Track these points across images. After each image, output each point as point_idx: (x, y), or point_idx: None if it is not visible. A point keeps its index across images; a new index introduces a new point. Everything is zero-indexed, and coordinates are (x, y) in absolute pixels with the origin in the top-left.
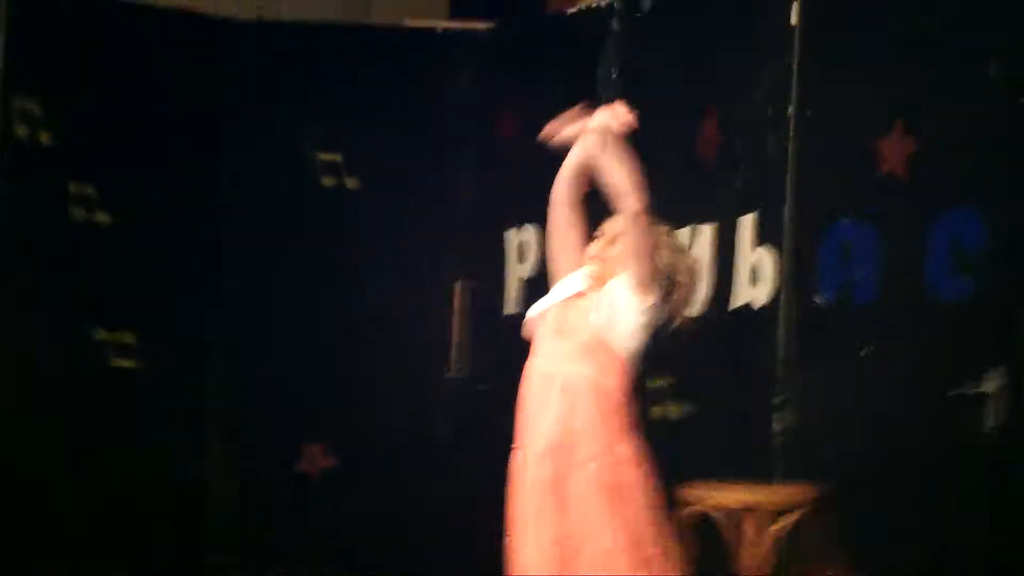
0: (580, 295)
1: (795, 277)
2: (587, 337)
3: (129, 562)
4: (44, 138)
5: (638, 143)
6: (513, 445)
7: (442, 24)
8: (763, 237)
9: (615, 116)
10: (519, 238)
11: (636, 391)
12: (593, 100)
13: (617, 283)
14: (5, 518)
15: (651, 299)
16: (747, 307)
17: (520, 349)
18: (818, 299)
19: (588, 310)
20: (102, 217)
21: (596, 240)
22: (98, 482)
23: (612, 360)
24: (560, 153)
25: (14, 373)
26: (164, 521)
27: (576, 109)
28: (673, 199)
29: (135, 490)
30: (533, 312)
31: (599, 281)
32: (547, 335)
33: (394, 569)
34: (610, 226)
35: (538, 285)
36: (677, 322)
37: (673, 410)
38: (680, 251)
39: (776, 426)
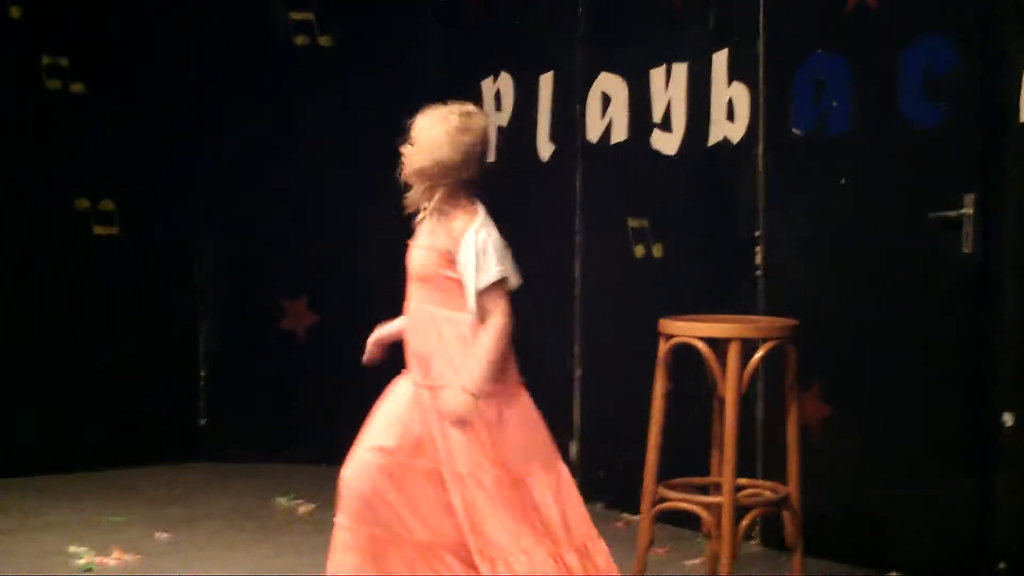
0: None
1: (770, 111)
2: None
3: (120, 423)
4: (14, 12)
5: None
6: None
7: None
8: (737, 73)
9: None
10: (495, 87)
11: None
12: None
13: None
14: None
15: None
16: (724, 142)
17: (500, 196)
18: (794, 131)
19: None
20: (77, 87)
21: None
22: (88, 350)
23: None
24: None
25: (2, 244)
26: (156, 384)
27: None
28: (646, 38)
29: (126, 355)
30: None
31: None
32: None
33: None
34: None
35: (516, 132)
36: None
37: (655, 247)
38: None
39: (756, 259)
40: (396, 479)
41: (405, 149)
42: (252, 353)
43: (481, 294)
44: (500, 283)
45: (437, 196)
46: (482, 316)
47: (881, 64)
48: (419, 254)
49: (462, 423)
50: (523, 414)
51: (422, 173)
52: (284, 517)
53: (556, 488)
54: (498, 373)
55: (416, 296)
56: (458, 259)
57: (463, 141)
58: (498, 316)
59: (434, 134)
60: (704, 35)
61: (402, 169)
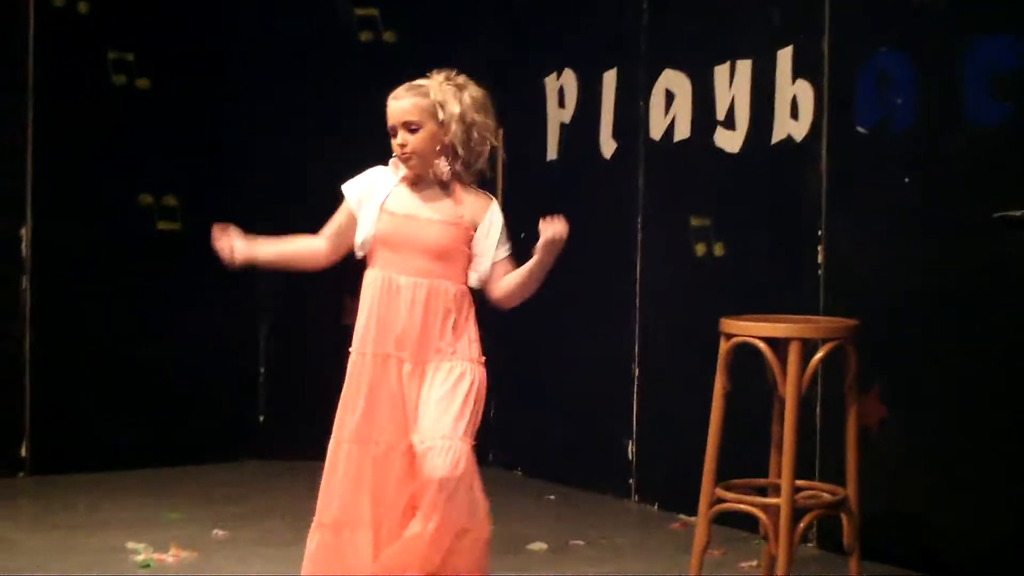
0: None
1: (834, 108)
2: None
3: (178, 420)
4: (82, 8)
5: None
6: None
7: None
8: (801, 70)
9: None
10: (558, 83)
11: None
12: None
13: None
14: (63, 377)
15: None
16: (788, 140)
17: (562, 194)
18: (858, 129)
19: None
20: (142, 82)
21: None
22: (149, 345)
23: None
24: None
25: (66, 239)
26: (214, 381)
27: None
28: (711, 35)
29: (186, 351)
30: None
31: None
32: None
33: None
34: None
35: (578, 129)
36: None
37: (717, 246)
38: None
39: (819, 258)
40: None
41: (404, 138)
42: (312, 349)
43: (496, 264)
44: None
45: (449, 170)
46: (489, 284)
47: (945, 61)
48: (439, 229)
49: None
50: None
51: (442, 147)
52: None
53: None
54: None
55: (424, 270)
56: (480, 233)
57: (486, 109)
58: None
59: (434, 100)
60: (769, 32)
61: (408, 155)
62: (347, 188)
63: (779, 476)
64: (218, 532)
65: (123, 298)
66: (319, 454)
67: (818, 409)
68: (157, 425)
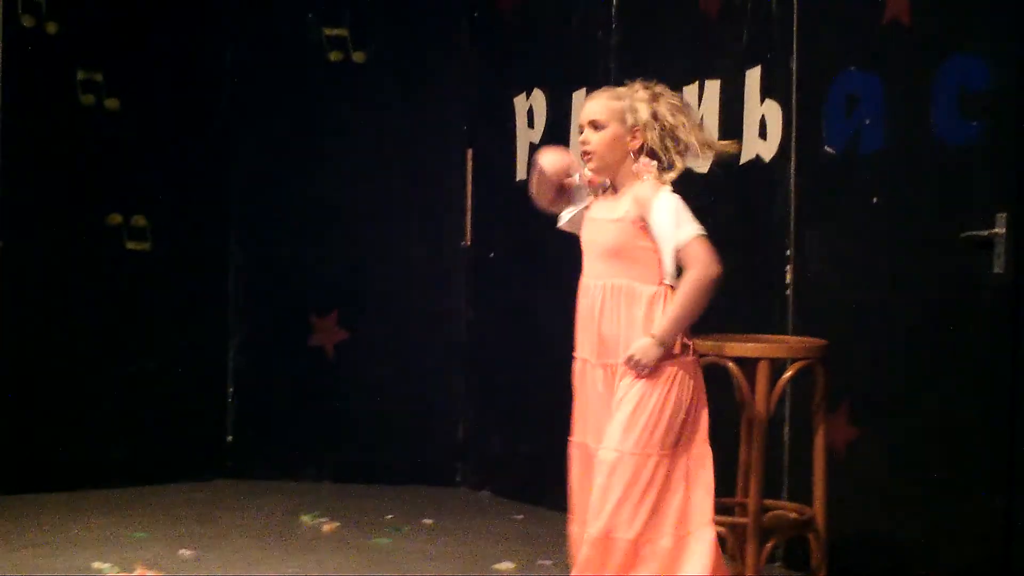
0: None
1: (803, 128)
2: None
3: (146, 439)
4: (50, 28)
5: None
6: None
7: None
8: (770, 90)
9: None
10: (527, 103)
11: None
12: None
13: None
14: (32, 396)
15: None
16: (756, 160)
17: (531, 214)
18: (827, 149)
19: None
20: (111, 103)
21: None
22: (117, 365)
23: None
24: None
25: (35, 259)
26: (183, 400)
27: None
28: (679, 54)
29: (154, 370)
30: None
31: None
32: None
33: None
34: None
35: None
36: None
37: None
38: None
39: (787, 278)
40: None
41: (587, 136)
42: (280, 370)
43: (680, 251)
44: (698, 239)
45: (621, 170)
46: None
47: (915, 81)
48: (609, 228)
49: (640, 368)
50: (683, 389)
51: (614, 147)
52: (309, 535)
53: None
54: (687, 329)
55: (605, 272)
56: (651, 223)
57: (683, 113)
58: (698, 268)
59: (623, 105)
60: (737, 52)
61: (589, 153)
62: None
63: (746, 496)
64: (185, 552)
65: (92, 318)
66: (287, 473)
67: (786, 429)
68: (125, 444)
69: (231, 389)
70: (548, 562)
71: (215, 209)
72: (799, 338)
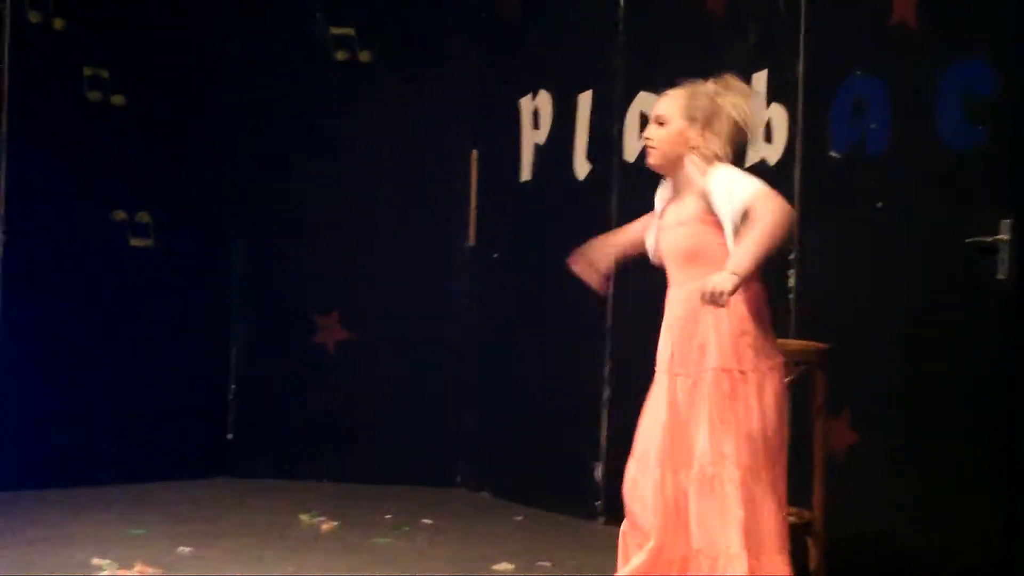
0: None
1: (808, 132)
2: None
3: (147, 437)
4: (57, 24)
5: (651, 2)
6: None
7: None
8: (776, 94)
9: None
10: (533, 105)
11: None
12: None
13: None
14: (33, 392)
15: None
16: (762, 163)
17: (536, 215)
18: (832, 153)
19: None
20: (117, 99)
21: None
22: (119, 361)
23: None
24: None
25: (38, 254)
26: (184, 397)
27: None
28: (686, 57)
29: (156, 367)
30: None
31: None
32: None
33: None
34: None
35: (552, 150)
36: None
37: None
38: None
39: (790, 282)
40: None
41: (650, 131)
42: (282, 368)
43: (747, 213)
44: (758, 191)
45: (681, 167)
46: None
47: (920, 86)
48: (680, 232)
49: (717, 298)
50: (771, 399)
51: (676, 143)
52: (307, 534)
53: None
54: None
55: (685, 279)
56: (713, 204)
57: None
58: (768, 206)
59: (690, 101)
60: (743, 56)
61: (653, 148)
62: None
63: None
64: (184, 549)
65: (94, 313)
66: (287, 472)
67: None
68: (126, 441)
69: (232, 387)
70: (547, 563)
71: (219, 207)
72: (801, 342)
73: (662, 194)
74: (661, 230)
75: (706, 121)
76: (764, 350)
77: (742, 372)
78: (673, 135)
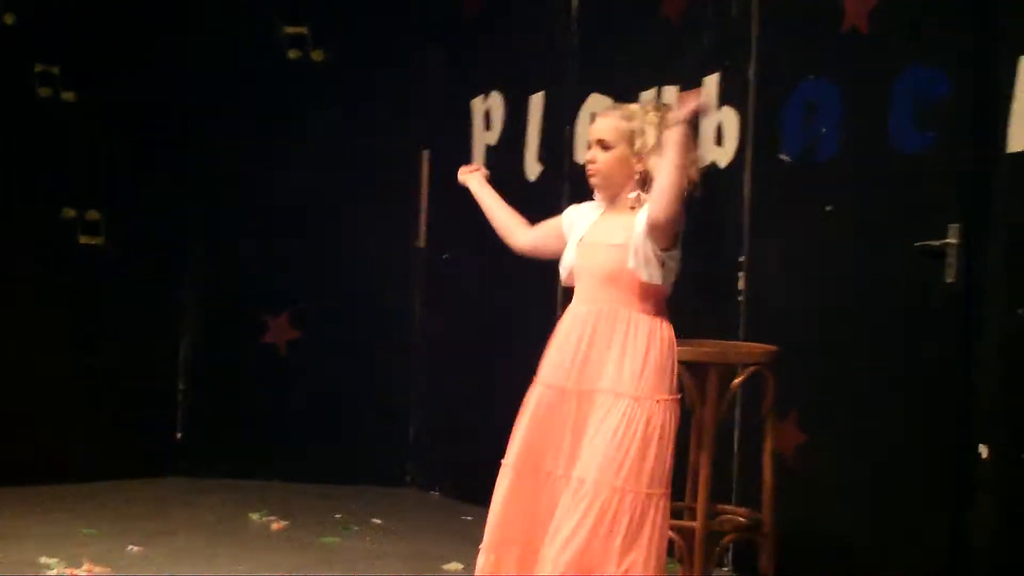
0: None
1: (759, 136)
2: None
3: (96, 435)
4: (8, 19)
5: (605, 2)
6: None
7: None
8: (727, 97)
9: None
10: (485, 106)
11: None
12: None
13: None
14: None
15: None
16: (712, 167)
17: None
18: (782, 157)
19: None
20: (68, 95)
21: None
22: (68, 360)
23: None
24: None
25: None
26: (133, 396)
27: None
28: (638, 60)
29: (105, 366)
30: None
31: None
32: None
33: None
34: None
35: (504, 151)
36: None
37: None
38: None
39: (740, 284)
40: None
41: (595, 155)
42: (232, 368)
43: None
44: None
45: (636, 196)
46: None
47: (872, 90)
48: (610, 253)
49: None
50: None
51: (623, 169)
52: (257, 533)
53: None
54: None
55: (599, 297)
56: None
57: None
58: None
59: (633, 127)
60: (695, 59)
61: (595, 172)
62: (568, 210)
63: (695, 499)
64: (133, 548)
65: (43, 312)
66: (237, 471)
67: (736, 433)
68: (74, 440)
69: (182, 387)
70: None
71: (170, 205)
72: (750, 344)
73: (585, 212)
74: (585, 247)
75: (644, 145)
76: (663, 383)
77: (636, 399)
78: (619, 159)
